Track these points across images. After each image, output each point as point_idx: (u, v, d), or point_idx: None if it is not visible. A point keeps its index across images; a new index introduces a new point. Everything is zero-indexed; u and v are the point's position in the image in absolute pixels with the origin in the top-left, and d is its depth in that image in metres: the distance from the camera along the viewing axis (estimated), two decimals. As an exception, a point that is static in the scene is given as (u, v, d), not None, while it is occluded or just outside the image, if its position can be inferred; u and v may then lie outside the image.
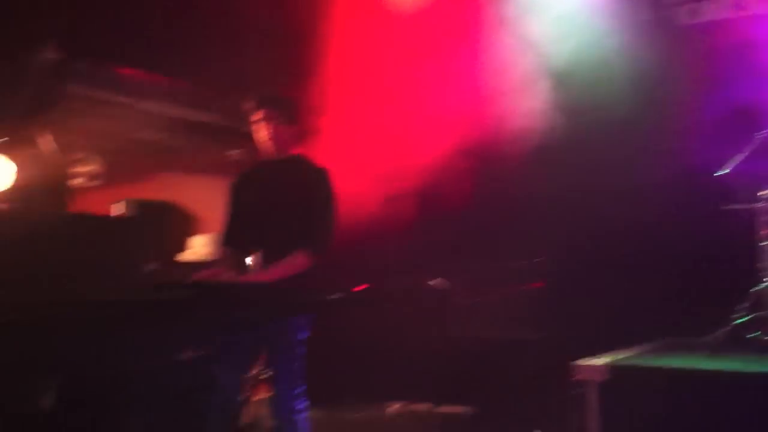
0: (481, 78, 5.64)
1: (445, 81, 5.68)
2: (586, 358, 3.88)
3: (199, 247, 6.36)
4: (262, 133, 4.04)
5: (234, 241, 4.08)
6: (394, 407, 6.36)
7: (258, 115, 4.03)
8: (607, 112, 5.33)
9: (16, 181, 4.24)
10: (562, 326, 5.42)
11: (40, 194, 4.27)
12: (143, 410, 3.32)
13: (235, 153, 6.68)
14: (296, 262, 3.83)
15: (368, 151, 5.61)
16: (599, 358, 3.89)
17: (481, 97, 5.61)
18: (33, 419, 3.06)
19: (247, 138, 4.23)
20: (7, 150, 4.25)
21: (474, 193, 5.76)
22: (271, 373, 3.99)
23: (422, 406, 6.04)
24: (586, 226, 5.51)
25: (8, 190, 4.22)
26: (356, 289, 3.40)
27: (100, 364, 3.23)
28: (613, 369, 3.77)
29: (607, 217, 5.42)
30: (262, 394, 4.93)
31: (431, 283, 5.92)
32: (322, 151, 4.66)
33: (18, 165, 4.25)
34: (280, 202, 3.99)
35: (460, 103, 5.59)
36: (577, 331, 5.19)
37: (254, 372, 5.09)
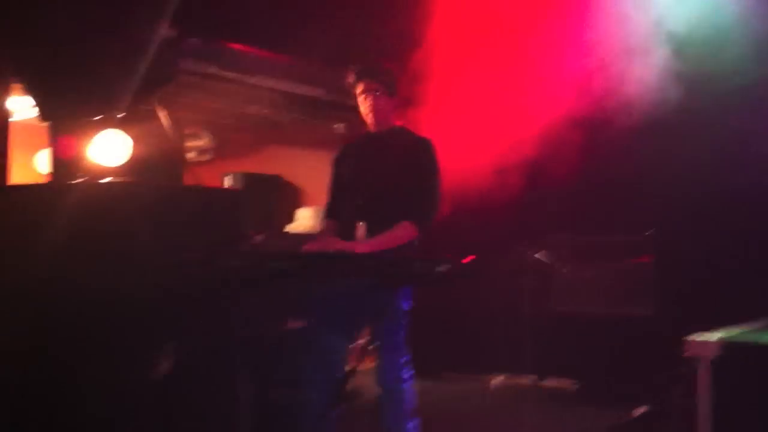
0: (593, 44, 5.48)
1: (555, 48, 5.55)
2: (697, 334, 3.75)
3: (304, 220, 6.50)
4: (363, 105, 4.04)
5: (338, 213, 4.12)
6: (498, 379, 6.35)
7: (359, 87, 4.04)
8: (724, 81, 5.10)
9: (133, 155, 4.42)
10: (672, 302, 5.26)
11: (155, 168, 4.43)
12: (251, 376, 3.43)
13: (340, 126, 6.77)
14: (402, 233, 3.82)
15: (475, 123, 5.56)
16: (711, 334, 3.75)
17: (592, 65, 5.46)
18: (154, 381, 3.23)
19: (352, 111, 4.25)
20: (124, 125, 4.42)
21: (583, 165, 5.63)
22: (376, 343, 4.04)
23: (526, 379, 6.00)
24: (697, 199, 5.33)
25: (125, 164, 4.40)
26: (462, 260, 3.37)
27: (212, 332, 3.36)
28: (725, 345, 3.63)
29: (719, 191, 5.23)
30: (368, 364, 5.00)
31: (537, 256, 5.85)
32: (428, 122, 4.65)
33: (134, 140, 4.42)
34: (383, 174, 3.97)
35: (569, 71, 5.46)
36: (687, 307, 5.03)
37: (360, 342, 5.17)
